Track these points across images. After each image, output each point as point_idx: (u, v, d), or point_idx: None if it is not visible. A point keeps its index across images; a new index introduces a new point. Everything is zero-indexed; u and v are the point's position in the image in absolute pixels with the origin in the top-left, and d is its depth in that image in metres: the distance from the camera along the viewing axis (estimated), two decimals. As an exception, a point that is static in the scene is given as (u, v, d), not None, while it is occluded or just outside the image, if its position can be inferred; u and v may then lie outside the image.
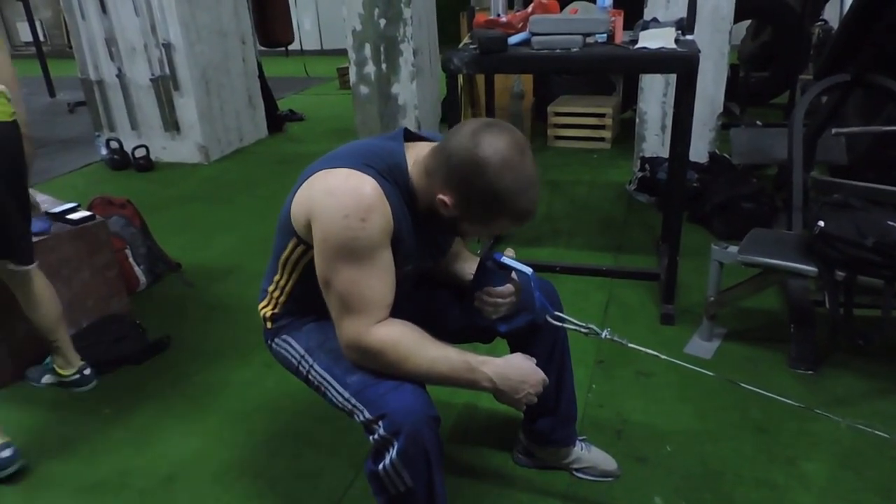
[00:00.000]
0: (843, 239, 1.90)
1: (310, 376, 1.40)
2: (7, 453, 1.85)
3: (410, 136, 1.38)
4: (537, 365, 1.37)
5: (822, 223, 1.95)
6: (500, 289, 1.41)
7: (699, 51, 2.23)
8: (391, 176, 1.27)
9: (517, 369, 1.32)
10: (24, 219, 1.95)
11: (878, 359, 2.18)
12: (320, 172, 1.28)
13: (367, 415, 1.26)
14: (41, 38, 8.72)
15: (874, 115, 3.44)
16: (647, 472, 1.78)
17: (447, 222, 1.29)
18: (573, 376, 1.70)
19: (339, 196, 1.22)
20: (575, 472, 1.76)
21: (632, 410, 2.03)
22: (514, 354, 1.38)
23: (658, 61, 2.30)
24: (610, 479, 1.75)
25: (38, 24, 8.76)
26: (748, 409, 1.99)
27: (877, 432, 1.76)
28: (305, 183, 1.30)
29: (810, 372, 2.15)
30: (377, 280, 1.25)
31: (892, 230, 1.86)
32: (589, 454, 1.76)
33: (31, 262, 2.01)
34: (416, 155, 1.30)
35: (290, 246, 1.36)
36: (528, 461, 1.81)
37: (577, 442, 1.77)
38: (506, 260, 1.39)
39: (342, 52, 4.95)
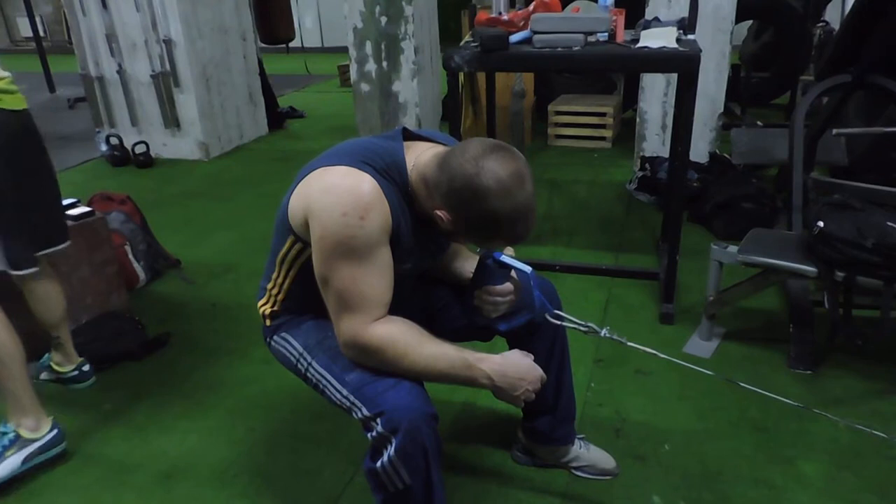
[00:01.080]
0: (843, 239, 1.90)
1: (308, 374, 1.40)
2: (56, 432, 1.88)
3: (409, 136, 1.38)
4: (536, 363, 1.37)
5: (822, 224, 1.95)
6: (499, 287, 1.41)
7: (700, 50, 2.23)
8: (389, 175, 1.27)
9: (515, 366, 1.33)
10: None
11: (877, 359, 2.18)
12: (318, 170, 1.28)
13: (366, 412, 1.26)
14: (41, 33, 8.71)
15: (875, 116, 3.45)
16: (645, 471, 1.78)
17: (443, 231, 1.30)
18: (572, 375, 1.70)
19: (337, 194, 1.22)
20: (574, 471, 1.76)
21: (631, 409, 2.03)
22: (513, 351, 1.38)
23: (659, 61, 2.30)
24: (608, 477, 1.75)
25: (38, 19, 8.76)
26: (747, 409, 2.00)
27: (875, 432, 1.76)
28: (303, 181, 1.30)
29: (809, 372, 2.16)
30: (376, 278, 1.25)
31: (892, 231, 1.86)
32: (588, 453, 1.76)
33: (68, 239, 2.03)
34: (416, 156, 1.30)
35: (288, 244, 1.36)
36: (526, 459, 1.81)
37: (576, 440, 1.76)
38: (505, 258, 1.39)
39: (343, 50, 4.95)
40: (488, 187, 1.18)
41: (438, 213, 1.25)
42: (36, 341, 2.31)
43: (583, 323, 1.40)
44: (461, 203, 1.21)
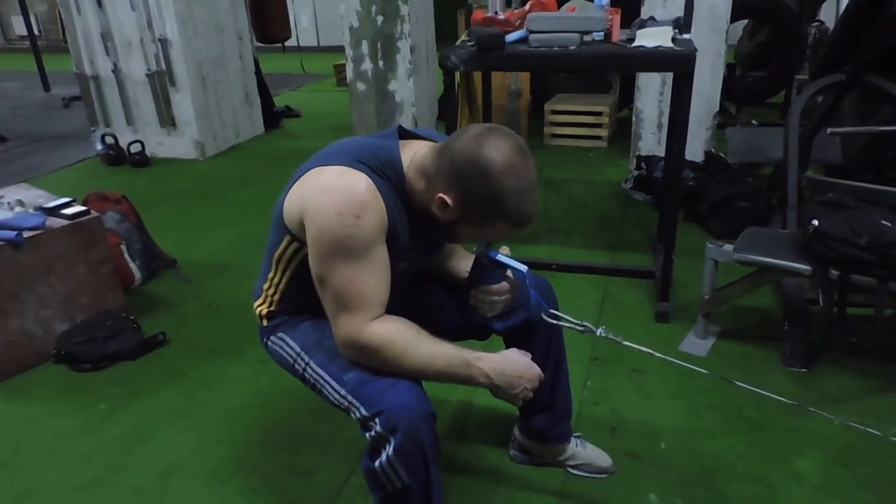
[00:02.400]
0: (838, 238, 1.91)
1: (306, 374, 1.40)
2: None
3: (405, 134, 1.38)
4: (533, 362, 1.37)
5: (816, 222, 1.95)
6: (495, 287, 1.41)
7: (696, 50, 2.23)
8: (385, 173, 1.27)
9: (513, 365, 1.33)
10: None
11: (872, 357, 2.19)
12: (313, 170, 1.28)
13: (364, 412, 1.26)
14: (36, 32, 8.67)
15: (869, 115, 3.45)
16: (641, 469, 1.79)
17: (442, 226, 1.29)
18: (568, 373, 1.71)
19: (332, 193, 1.22)
20: (570, 469, 1.77)
21: (627, 407, 2.04)
22: (510, 350, 1.38)
23: (655, 60, 2.30)
24: (605, 475, 1.75)
25: (32, 18, 8.71)
26: (742, 407, 2.00)
27: (869, 430, 1.77)
28: (298, 181, 1.30)
29: (804, 370, 2.16)
30: (373, 277, 1.25)
31: (886, 229, 1.88)
32: (584, 451, 1.77)
33: None
34: (413, 154, 1.30)
35: (285, 243, 1.36)
36: (523, 458, 1.81)
37: (573, 439, 1.77)
38: (501, 258, 1.39)
39: (339, 49, 4.94)
40: (492, 159, 1.18)
41: (441, 196, 1.23)
42: (34, 344, 2.32)
43: (579, 322, 1.40)
44: (464, 180, 1.20)
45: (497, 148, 1.18)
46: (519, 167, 1.19)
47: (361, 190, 1.21)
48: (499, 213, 1.22)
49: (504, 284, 1.42)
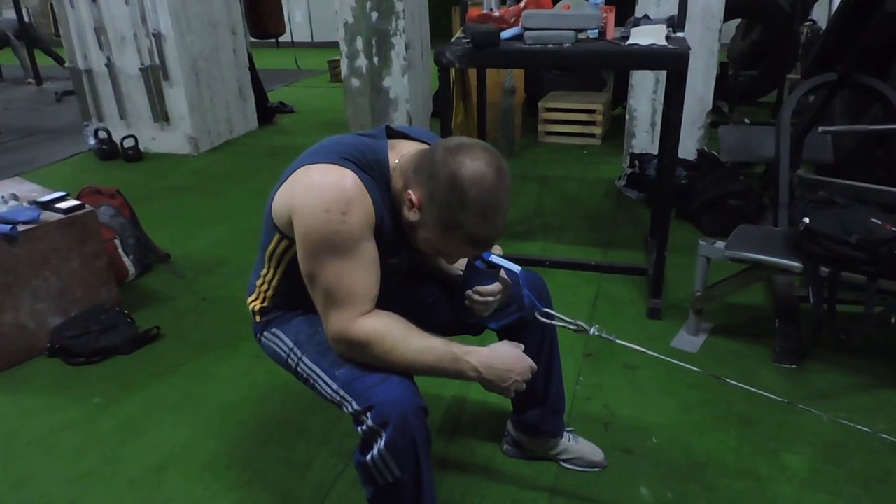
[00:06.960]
0: (828, 236, 1.93)
1: (298, 369, 1.41)
2: None
3: (393, 134, 1.38)
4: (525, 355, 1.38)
5: (807, 220, 1.97)
6: (489, 287, 1.42)
7: (689, 48, 2.25)
8: (372, 171, 1.27)
9: (503, 358, 1.33)
10: None
11: (860, 354, 2.22)
12: (301, 168, 1.28)
13: (356, 406, 1.26)
14: (28, 25, 8.59)
15: (860, 114, 3.48)
16: (633, 463, 1.81)
17: (408, 228, 1.29)
18: (561, 368, 1.72)
19: (319, 190, 1.22)
20: (563, 463, 1.79)
21: (619, 403, 2.05)
22: (501, 343, 1.38)
23: (649, 58, 2.32)
24: (597, 469, 1.77)
25: (24, 11, 8.64)
26: (733, 403, 2.02)
27: (857, 426, 1.79)
28: (287, 179, 1.30)
29: (794, 366, 2.19)
30: (361, 272, 1.26)
31: (876, 227, 1.90)
32: (576, 445, 1.79)
33: None
34: (401, 155, 1.31)
35: (275, 240, 1.37)
36: (516, 452, 1.83)
37: (565, 433, 1.79)
38: (494, 258, 1.40)
39: (333, 45, 4.94)
40: (465, 166, 1.18)
41: (409, 192, 1.23)
42: (28, 337, 2.32)
43: (572, 321, 1.40)
44: (432, 180, 1.20)
45: (475, 159, 1.18)
46: (490, 184, 1.18)
47: (348, 186, 1.22)
48: (455, 225, 1.21)
49: (497, 285, 1.42)
